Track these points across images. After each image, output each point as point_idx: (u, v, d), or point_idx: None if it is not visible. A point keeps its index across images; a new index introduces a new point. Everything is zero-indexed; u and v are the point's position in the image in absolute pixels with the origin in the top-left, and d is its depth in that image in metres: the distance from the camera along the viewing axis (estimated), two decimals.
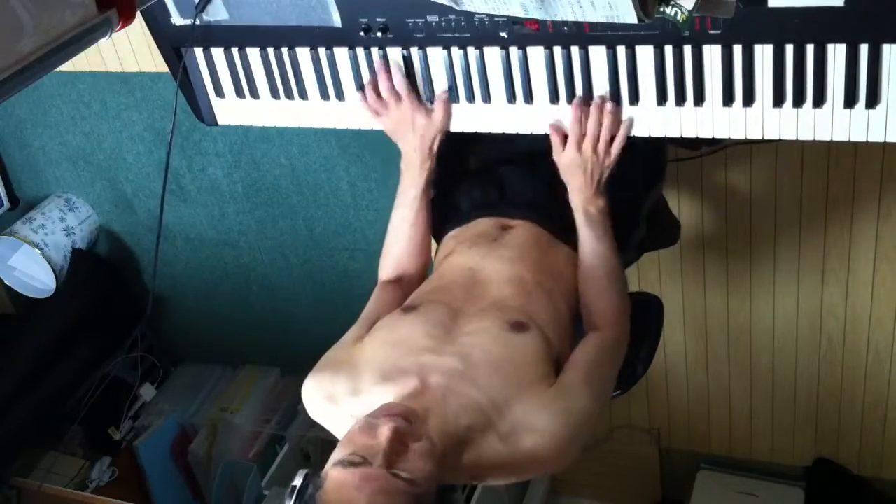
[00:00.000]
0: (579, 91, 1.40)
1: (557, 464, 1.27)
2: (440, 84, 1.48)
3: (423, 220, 1.54)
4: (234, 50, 1.59)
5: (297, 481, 1.15)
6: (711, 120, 1.36)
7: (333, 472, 1.11)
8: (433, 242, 1.62)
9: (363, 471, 1.08)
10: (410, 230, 1.54)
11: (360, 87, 1.53)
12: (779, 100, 1.30)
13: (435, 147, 1.51)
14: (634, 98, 1.38)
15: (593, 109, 1.39)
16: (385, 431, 1.11)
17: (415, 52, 1.46)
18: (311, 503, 1.12)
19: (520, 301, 1.38)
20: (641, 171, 1.67)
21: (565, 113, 1.43)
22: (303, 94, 1.59)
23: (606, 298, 1.42)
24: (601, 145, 1.40)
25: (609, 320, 1.41)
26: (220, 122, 1.70)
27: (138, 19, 1.07)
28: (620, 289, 1.44)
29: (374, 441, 1.11)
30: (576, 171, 1.42)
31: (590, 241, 1.43)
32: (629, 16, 1.17)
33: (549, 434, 1.22)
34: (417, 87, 1.50)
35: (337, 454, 1.13)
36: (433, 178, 1.53)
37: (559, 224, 1.51)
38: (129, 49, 2.86)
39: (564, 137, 1.43)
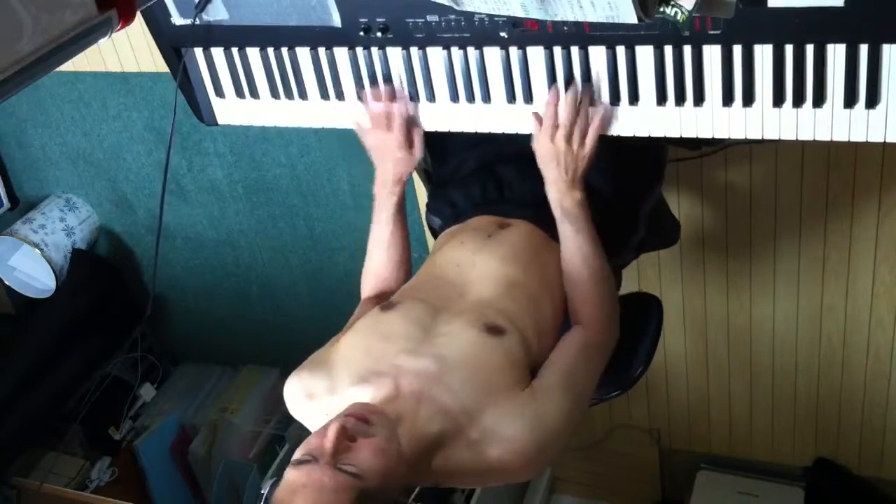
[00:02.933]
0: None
1: (525, 473, 1.26)
2: (440, 84, 1.48)
3: (398, 240, 1.56)
4: (234, 50, 1.59)
5: (265, 490, 1.17)
6: (711, 120, 1.36)
7: (286, 473, 1.13)
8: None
9: (308, 467, 1.10)
10: (388, 250, 1.56)
11: (362, 87, 1.53)
12: (778, 100, 1.30)
13: (405, 178, 1.55)
14: (634, 98, 1.38)
15: (566, 100, 1.38)
16: (332, 429, 1.12)
17: (415, 52, 1.46)
18: None
19: (503, 302, 1.37)
20: (641, 172, 1.67)
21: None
22: (303, 94, 1.59)
23: (591, 302, 1.39)
24: (575, 137, 1.39)
25: (594, 325, 1.38)
26: (220, 122, 1.70)
27: (138, 19, 1.07)
28: (607, 291, 1.42)
29: (324, 440, 1.12)
30: (549, 162, 1.41)
31: (568, 235, 1.41)
32: (629, 16, 1.17)
33: (516, 443, 1.21)
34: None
35: (294, 457, 1.15)
36: (405, 200, 1.56)
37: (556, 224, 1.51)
38: (129, 49, 2.86)
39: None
